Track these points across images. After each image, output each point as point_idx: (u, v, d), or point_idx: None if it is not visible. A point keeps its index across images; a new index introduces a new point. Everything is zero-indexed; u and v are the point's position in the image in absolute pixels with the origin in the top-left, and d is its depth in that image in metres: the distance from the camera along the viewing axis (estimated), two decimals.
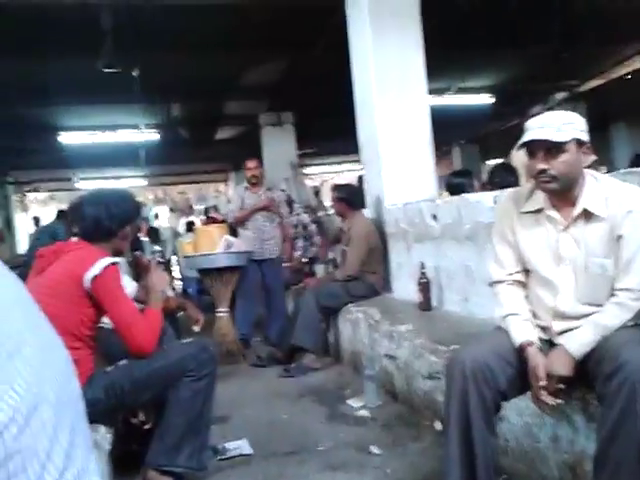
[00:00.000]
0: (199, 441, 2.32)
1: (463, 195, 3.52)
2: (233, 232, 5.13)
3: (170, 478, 2.28)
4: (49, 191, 16.06)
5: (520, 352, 1.84)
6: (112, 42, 5.88)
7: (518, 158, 4.03)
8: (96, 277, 2.19)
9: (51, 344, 0.58)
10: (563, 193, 1.85)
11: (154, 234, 8.74)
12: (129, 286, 2.98)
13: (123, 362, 2.33)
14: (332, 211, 5.38)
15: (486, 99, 10.11)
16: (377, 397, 3.29)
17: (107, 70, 6.19)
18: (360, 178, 10.47)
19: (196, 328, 3.59)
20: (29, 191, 14.78)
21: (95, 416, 2.23)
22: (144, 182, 14.76)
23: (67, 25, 5.43)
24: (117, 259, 2.35)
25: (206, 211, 10.14)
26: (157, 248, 8.81)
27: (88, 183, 13.43)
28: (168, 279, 2.97)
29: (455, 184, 4.12)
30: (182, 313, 3.87)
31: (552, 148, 1.78)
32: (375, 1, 4.40)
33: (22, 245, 11.69)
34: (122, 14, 5.43)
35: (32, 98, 7.75)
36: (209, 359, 2.34)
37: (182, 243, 5.09)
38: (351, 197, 4.62)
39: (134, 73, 6.88)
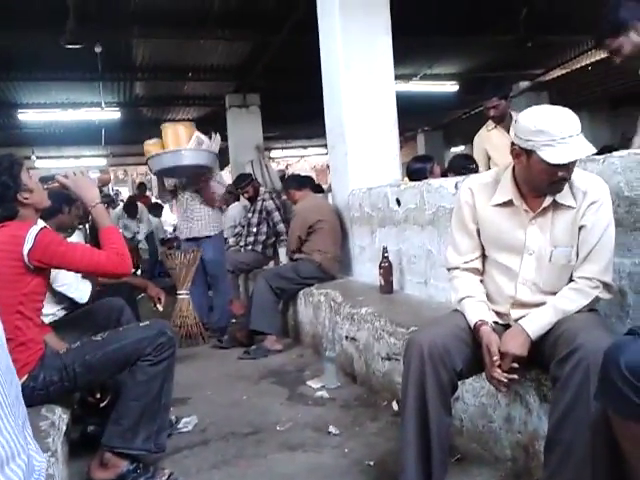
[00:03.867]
0: (157, 424, 2.28)
1: (427, 180, 3.56)
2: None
3: (126, 460, 2.25)
4: None
5: (475, 332, 1.87)
6: (75, 17, 5.72)
7: (489, 140, 4.14)
8: (31, 249, 2.13)
9: None
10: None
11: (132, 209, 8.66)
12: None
13: (76, 344, 2.28)
14: None
15: (451, 86, 10.19)
16: (336, 378, 3.32)
17: (69, 46, 6.02)
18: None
19: (160, 307, 3.54)
20: None
21: (50, 397, 2.21)
22: (104, 162, 14.47)
23: None
24: (42, 224, 2.26)
25: (140, 186, 9.95)
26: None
27: (47, 162, 13.11)
28: (97, 181, 2.74)
29: (415, 169, 4.17)
30: (142, 295, 3.82)
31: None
32: None
33: None
34: None
35: None
36: (167, 342, 2.28)
37: (147, 144, 4.65)
38: (293, 182, 4.83)
39: (97, 49, 6.72)
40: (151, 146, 4.60)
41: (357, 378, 3.34)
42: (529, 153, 1.80)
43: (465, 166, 3.78)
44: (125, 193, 15.63)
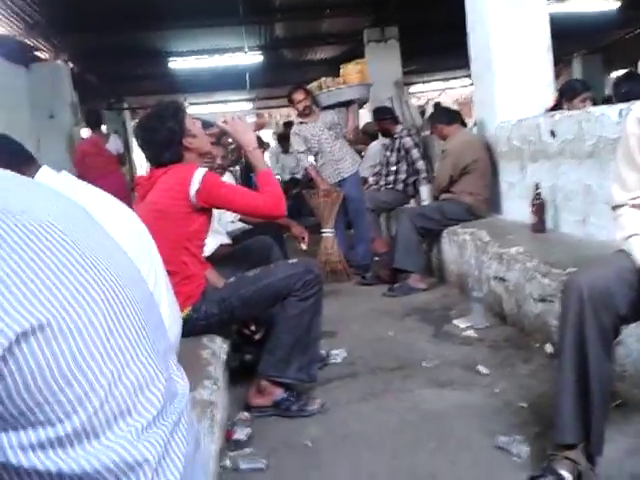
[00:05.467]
0: (308, 356, 2.39)
1: (586, 108, 3.26)
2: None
3: (281, 388, 2.39)
4: None
5: None
6: None
7: None
8: (198, 191, 2.27)
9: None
10: None
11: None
12: None
13: (232, 279, 2.43)
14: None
15: (611, 3, 9.14)
16: (484, 318, 3.24)
17: None
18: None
19: (303, 246, 3.67)
20: None
21: (210, 328, 2.39)
22: (250, 105, 14.91)
23: None
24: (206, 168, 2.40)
25: (286, 125, 9.89)
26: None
27: (198, 107, 13.78)
28: (254, 125, 2.92)
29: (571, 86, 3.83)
30: (287, 234, 3.96)
31: None
32: None
33: (139, 168, 12.33)
34: None
35: (142, 24, 7.93)
36: (314, 279, 2.36)
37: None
38: (441, 116, 4.59)
39: None
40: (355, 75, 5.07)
41: (506, 319, 3.24)
42: None
43: (633, 90, 3.36)
44: (269, 136, 16.05)
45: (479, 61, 4.40)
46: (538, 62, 4.17)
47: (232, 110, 13.86)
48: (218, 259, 2.86)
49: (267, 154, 9.06)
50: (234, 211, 2.72)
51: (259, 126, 7.46)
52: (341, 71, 5.09)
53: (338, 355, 2.95)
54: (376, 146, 6.84)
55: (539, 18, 4.17)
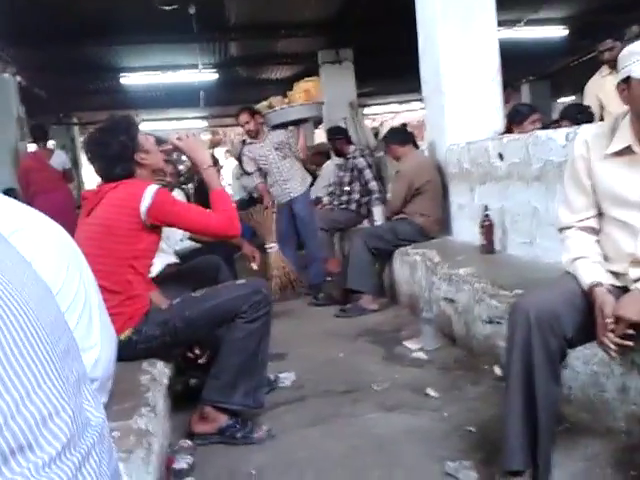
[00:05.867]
0: (255, 380, 2.32)
1: (533, 132, 3.32)
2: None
3: (225, 415, 2.31)
4: None
5: (588, 294, 1.72)
6: None
7: (602, 87, 3.83)
8: (149, 207, 2.21)
9: None
10: None
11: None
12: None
13: (177, 300, 2.34)
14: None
15: (559, 32, 9.48)
16: (434, 340, 3.24)
17: (164, 7, 6.10)
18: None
19: (254, 265, 3.61)
20: None
21: (152, 351, 2.29)
22: (204, 123, 14.80)
23: None
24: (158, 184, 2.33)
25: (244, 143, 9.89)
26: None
27: (150, 124, 13.61)
28: (209, 143, 2.88)
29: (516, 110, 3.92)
30: (239, 254, 3.89)
31: None
32: None
33: (88, 184, 12.06)
34: None
35: (94, 39, 7.78)
36: (262, 300, 2.29)
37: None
38: (395, 137, 4.60)
39: (190, 10, 6.77)
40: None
41: (456, 340, 3.23)
42: (628, 82, 1.66)
43: (582, 112, 3.49)
44: (223, 154, 15.93)
45: (430, 84, 4.45)
46: (487, 86, 4.24)
47: (185, 127, 13.74)
48: (164, 279, 2.77)
49: (228, 173, 8.94)
50: (186, 229, 2.66)
51: (213, 144, 7.36)
52: (291, 91, 5.07)
53: (287, 378, 2.88)
54: (330, 166, 6.85)
55: (489, 43, 4.25)
